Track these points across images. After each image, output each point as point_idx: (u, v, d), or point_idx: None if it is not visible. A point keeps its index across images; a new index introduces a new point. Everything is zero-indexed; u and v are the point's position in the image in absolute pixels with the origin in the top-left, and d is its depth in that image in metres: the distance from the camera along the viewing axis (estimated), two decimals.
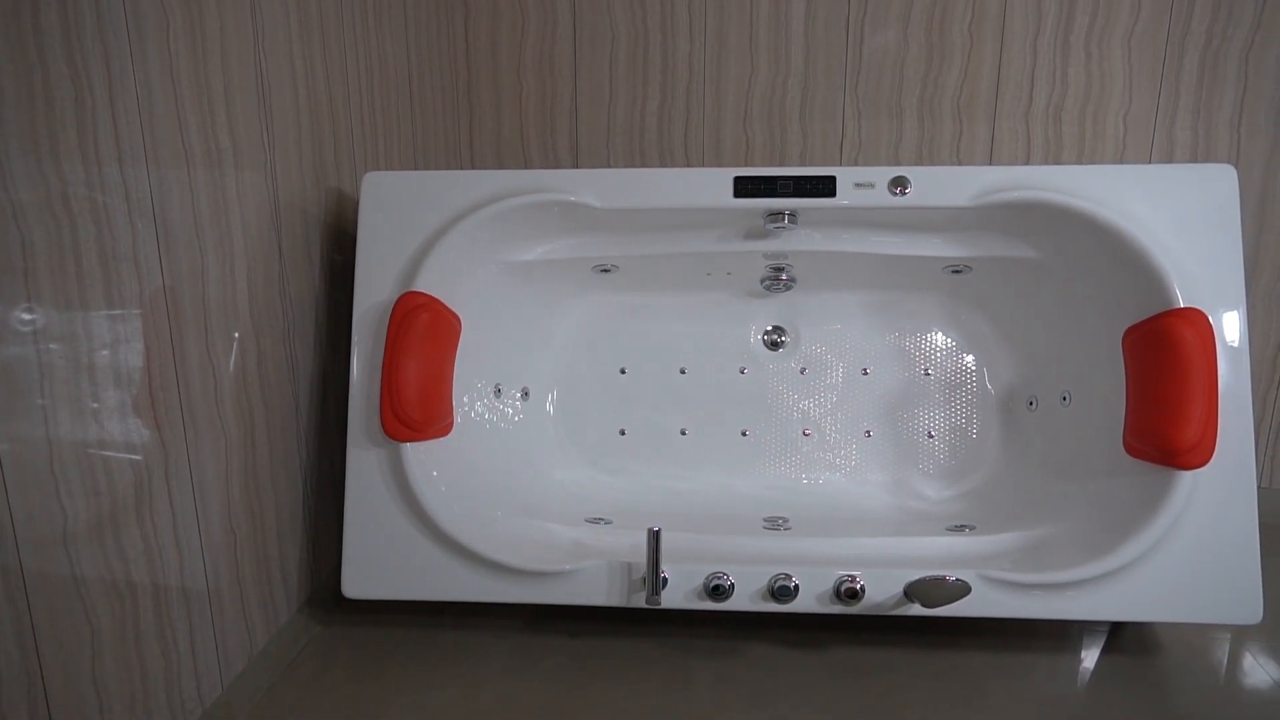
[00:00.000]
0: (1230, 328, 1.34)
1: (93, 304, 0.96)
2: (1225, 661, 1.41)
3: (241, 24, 1.22)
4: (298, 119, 1.39)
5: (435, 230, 1.44)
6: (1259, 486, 1.41)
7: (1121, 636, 1.45)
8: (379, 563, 1.40)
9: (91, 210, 0.95)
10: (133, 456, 1.04)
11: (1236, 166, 1.62)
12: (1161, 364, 1.31)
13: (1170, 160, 1.88)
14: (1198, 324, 1.31)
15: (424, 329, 1.38)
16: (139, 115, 1.02)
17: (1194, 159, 1.87)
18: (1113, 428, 1.40)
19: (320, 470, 1.50)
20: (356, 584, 1.41)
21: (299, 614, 1.44)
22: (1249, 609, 1.31)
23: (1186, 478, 1.29)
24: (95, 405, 0.98)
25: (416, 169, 1.88)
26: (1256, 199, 1.83)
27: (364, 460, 1.40)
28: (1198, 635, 1.45)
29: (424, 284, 1.41)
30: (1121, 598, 1.32)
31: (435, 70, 1.96)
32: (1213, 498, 1.31)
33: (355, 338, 1.43)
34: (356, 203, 1.45)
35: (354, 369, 1.42)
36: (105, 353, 0.99)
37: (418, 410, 1.36)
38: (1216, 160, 1.82)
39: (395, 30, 1.76)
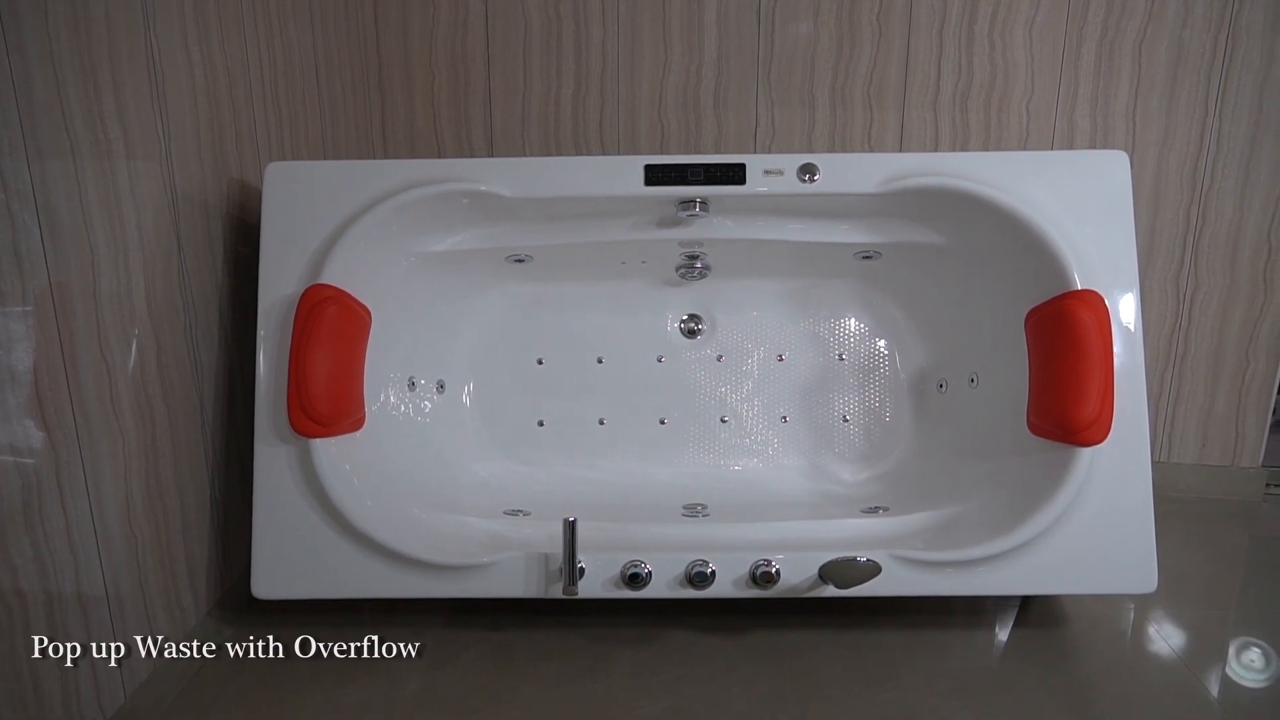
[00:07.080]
0: (1125, 309, 1.39)
1: None
2: (1125, 630, 1.46)
3: (130, 7, 1.17)
4: (195, 108, 1.34)
5: (342, 221, 1.41)
6: (1154, 461, 1.46)
7: (1030, 610, 1.50)
8: (291, 562, 1.37)
9: None
10: (20, 460, 0.99)
11: (1132, 153, 1.68)
12: (1061, 344, 1.35)
13: (1071, 147, 1.93)
14: (1094, 305, 1.35)
15: (331, 322, 1.35)
16: (16, 102, 0.97)
17: (1093, 146, 1.92)
18: (1018, 407, 1.44)
19: (229, 470, 1.46)
20: (267, 584, 1.37)
21: (208, 617, 1.40)
22: (1144, 579, 1.36)
23: (1085, 454, 1.34)
24: None
25: (327, 159, 1.84)
26: (1151, 185, 1.90)
27: (272, 458, 1.37)
28: (1099, 605, 1.51)
29: (331, 276, 1.38)
30: (1027, 572, 1.36)
31: (344, 58, 1.91)
32: (1110, 473, 1.36)
33: (261, 333, 1.39)
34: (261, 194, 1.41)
35: (260, 365, 1.38)
36: None
37: (326, 405, 1.33)
38: (1115, 147, 1.88)
39: (300, 16, 1.71)
